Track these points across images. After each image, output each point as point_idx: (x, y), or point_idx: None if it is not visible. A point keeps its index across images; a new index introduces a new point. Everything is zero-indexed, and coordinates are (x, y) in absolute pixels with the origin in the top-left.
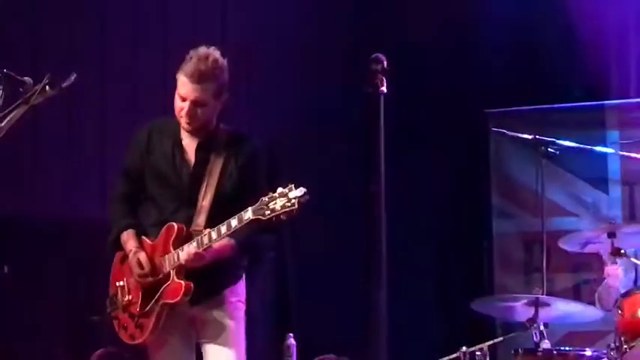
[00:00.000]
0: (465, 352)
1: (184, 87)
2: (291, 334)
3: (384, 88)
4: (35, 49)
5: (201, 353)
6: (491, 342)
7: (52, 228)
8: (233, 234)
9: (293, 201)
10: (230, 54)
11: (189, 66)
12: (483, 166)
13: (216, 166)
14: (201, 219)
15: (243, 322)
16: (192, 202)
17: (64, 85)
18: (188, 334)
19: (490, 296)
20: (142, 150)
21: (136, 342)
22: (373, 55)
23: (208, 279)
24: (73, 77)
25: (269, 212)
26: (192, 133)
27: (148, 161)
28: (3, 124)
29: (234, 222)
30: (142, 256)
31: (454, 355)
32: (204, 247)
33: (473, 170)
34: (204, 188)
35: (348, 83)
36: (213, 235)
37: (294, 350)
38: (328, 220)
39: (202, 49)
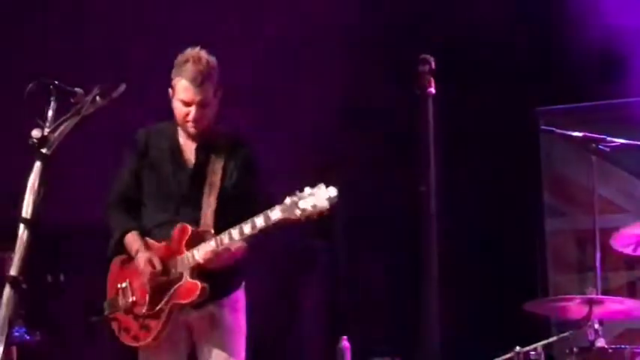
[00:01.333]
0: (518, 353)
1: (187, 92)
2: (344, 337)
3: (432, 89)
4: (83, 62)
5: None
6: (545, 341)
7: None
8: (252, 235)
9: (325, 201)
10: (275, 53)
11: (188, 70)
12: (534, 164)
13: (217, 167)
14: (208, 219)
15: (245, 329)
16: (194, 203)
17: (114, 95)
18: (183, 337)
19: (544, 296)
20: (140, 153)
21: (140, 343)
22: (421, 56)
23: (211, 284)
24: (122, 87)
25: (299, 212)
26: (195, 135)
27: (146, 164)
28: (55, 135)
29: (259, 221)
30: (154, 256)
31: (508, 356)
32: (224, 246)
33: (523, 168)
34: (207, 189)
35: (396, 84)
36: (235, 234)
37: (347, 353)
38: (379, 221)
39: (193, 52)
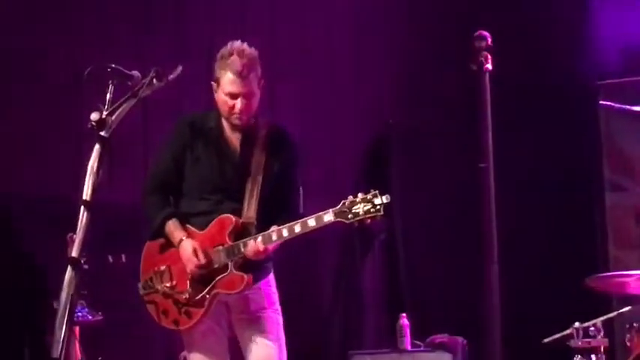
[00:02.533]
0: (577, 328)
1: (233, 84)
2: (403, 314)
3: (489, 65)
4: (141, 44)
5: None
6: (604, 317)
7: None
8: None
9: (378, 207)
10: (337, 38)
11: (233, 63)
12: (594, 139)
13: (260, 159)
14: (251, 211)
15: (280, 313)
16: (236, 194)
17: (171, 77)
18: (223, 316)
19: (604, 272)
20: (184, 140)
21: (180, 328)
22: (477, 33)
23: (250, 270)
24: (179, 69)
25: (352, 216)
26: (240, 126)
27: (189, 152)
28: (113, 117)
29: (311, 222)
30: (198, 246)
31: (568, 331)
32: (271, 244)
33: (583, 143)
34: (250, 180)
35: (454, 60)
36: (285, 233)
37: (407, 330)
38: (438, 198)
39: (236, 45)
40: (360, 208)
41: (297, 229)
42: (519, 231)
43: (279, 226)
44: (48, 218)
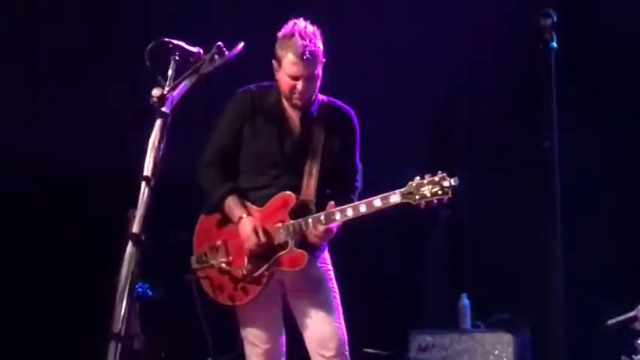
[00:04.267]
0: None
1: (295, 66)
2: (464, 294)
3: (554, 44)
4: (205, 20)
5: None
6: None
7: None
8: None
9: (446, 189)
10: (399, 17)
11: (295, 46)
12: None
13: (320, 137)
14: (310, 189)
15: (337, 290)
16: (295, 171)
17: (232, 54)
18: (278, 292)
19: None
20: (244, 114)
21: (236, 304)
22: (543, 10)
23: (309, 247)
24: (240, 46)
25: (419, 197)
26: (302, 106)
27: (249, 125)
28: (175, 93)
29: (377, 203)
30: (259, 225)
31: (632, 314)
32: (334, 222)
33: None
34: (309, 158)
35: (520, 39)
36: (349, 212)
37: (468, 310)
38: (502, 177)
39: (298, 25)
40: (427, 190)
41: (363, 209)
42: (584, 211)
43: (337, 204)
44: (109, 194)
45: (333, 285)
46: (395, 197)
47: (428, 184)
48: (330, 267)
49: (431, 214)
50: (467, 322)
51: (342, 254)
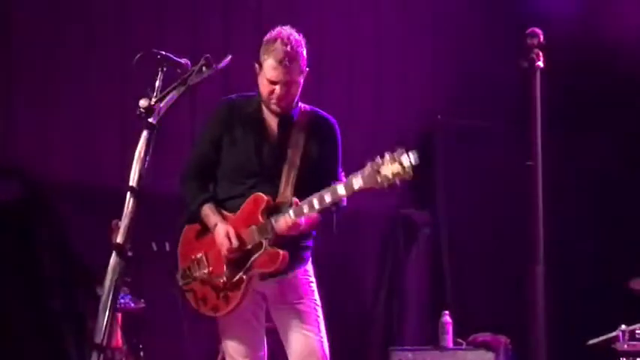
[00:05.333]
0: (624, 331)
1: (274, 71)
2: (446, 312)
3: (540, 63)
4: (192, 32)
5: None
6: None
7: None
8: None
9: (407, 168)
10: (385, 32)
11: (276, 50)
12: None
13: (298, 142)
14: (287, 192)
15: (319, 305)
16: (273, 178)
17: (220, 65)
18: (260, 306)
19: None
20: (223, 124)
21: (219, 314)
22: (529, 29)
23: (285, 248)
24: (228, 58)
25: (381, 180)
26: (280, 112)
27: (228, 135)
28: (162, 104)
29: (340, 190)
30: (231, 230)
31: (614, 334)
32: (303, 215)
33: (633, 144)
34: (287, 164)
35: (505, 57)
36: (315, 203)
37: (449, 327)
38: (484, 196)
39: (282, 31)
40: (388, 170)
41: (327, 198)
42: (565, 231)
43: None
44: (92, 205)
45: (316, 298)
46: (357, 181)
47: (388, 162)
48: (313, 280)
49: (412, 231)
50: (448, 340)
51: (321, 269)
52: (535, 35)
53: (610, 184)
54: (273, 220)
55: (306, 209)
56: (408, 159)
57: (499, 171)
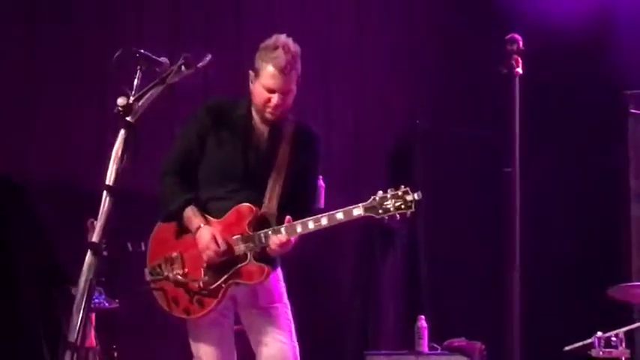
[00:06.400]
0: (599, 338)
1: (273, 79)
2: (422, 316)
3: (519, 69)
4: (171, 31)
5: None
6: (627, 328)
7: None
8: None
9: (410, 204)
10: (365, 37)
11: (277, 58)
12: (621, 148)
13: (285, 154)
14: (273, 203)
15: (289, 308)
16: (256, 185)
17: (200, 65)
18: (231, 314)
19: (626, 282)
20: (210, 123)
21: (191, 317)
22: (508, 36)
23: (267, 262)
24: (208, 58)
25: (382, 212)
26: (271, 120)
27: (213, 135)
28: (140, 103)
29: (339, 216)
30: (217, 234)
31: (589, 340)
32: (295, 235)
33: (610, 152)
34: (273, 173)
35: (483, 64)
36: (311, 225)
37: (425, 332)
38: (461, 201)
39: (282, 39)
40: (390, 204)
41: (324, 221)
42: (542, 238)
43: (295, 220)
44: (68, 203)
45: (286, 302)
46: (358, 210)
47: (391, 198)
48: (283, 284)
49: (388, 235)
50: (424, 344)
51: (297, 272)
52: (514, 41)
53: (588, 189)
54: (262, 235)
55: (299, 229)
56: (412, 196)
57: (477, 177)
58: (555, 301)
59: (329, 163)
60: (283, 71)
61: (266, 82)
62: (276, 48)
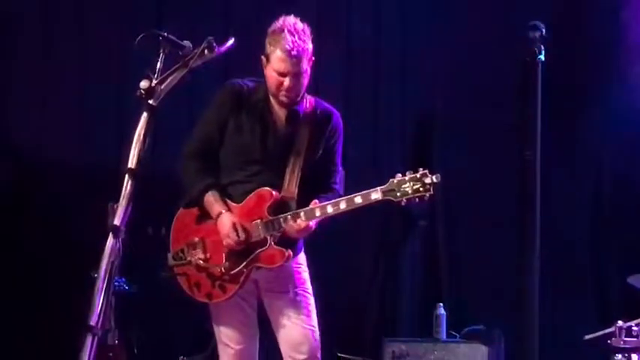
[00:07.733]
0: (620, 327)
1: (283, 63)
2: (440, 304)
3: (541, 56)
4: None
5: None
6: None
7: None
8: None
9: (428, 186)
10: (385, 23)
11: (283, 42)
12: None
13: (304, 136)
14: (292, 187)
15: (311, 293)
16: (276, 168)
17: (222, 49)
18: (253, 298)
19: None
20: (230, 109)
21: (214, 301)
22: (531, 22)
23: (289, 245)
24: (230, 42)
25: (400, 195)
26: (288, 103)
27: (234, 119)
28: (163, 86)
29: (358, 199)
30: (237, 222)
31: (610, 329)
32: (314, 219)
33: (624, 140)
34: (292, 156)
35: (506, 50)
36: (329, 209)
37: (443, 320)
38: (481, 188)
39: (288, 21)
40: (409, 187)
41: (343, 205)
42: (563, 225)
43: (320, 201)
44: (88, 186)
45: (308, 287)
46: (376, 194)
47: (409, 180)
48: (306, 269)
49: (409, 222)
50: (442, 332)
51: (318, 259)
52: (537, 28)
53: (609, 176)
54: (282, 220)
55: (318, 213)
56: (430, 178)
57: (497, 163)
58: (575, 288)
59: (347, 148)
60: (291, 54)
61: (276, 66)
62: (282, 31)
